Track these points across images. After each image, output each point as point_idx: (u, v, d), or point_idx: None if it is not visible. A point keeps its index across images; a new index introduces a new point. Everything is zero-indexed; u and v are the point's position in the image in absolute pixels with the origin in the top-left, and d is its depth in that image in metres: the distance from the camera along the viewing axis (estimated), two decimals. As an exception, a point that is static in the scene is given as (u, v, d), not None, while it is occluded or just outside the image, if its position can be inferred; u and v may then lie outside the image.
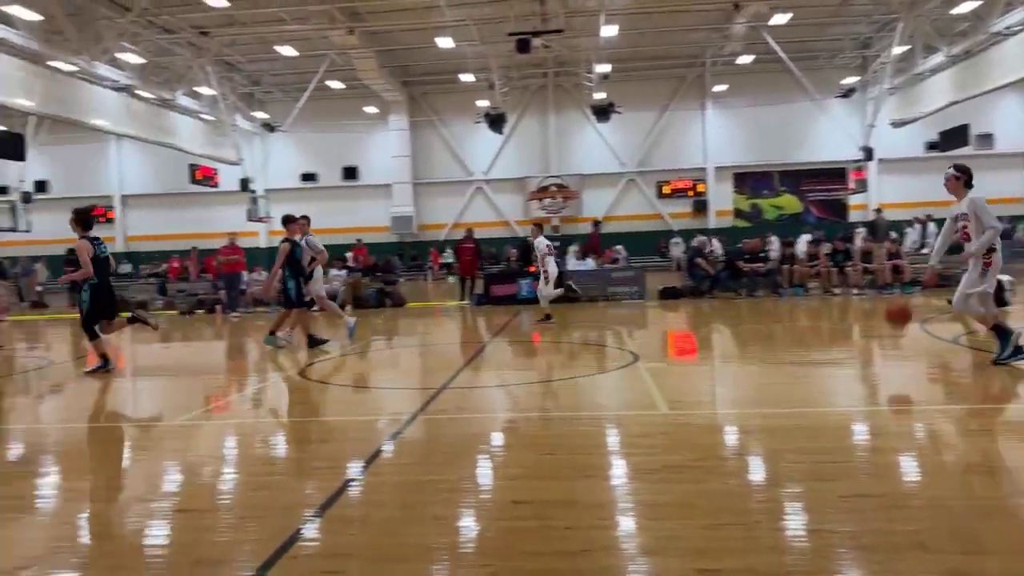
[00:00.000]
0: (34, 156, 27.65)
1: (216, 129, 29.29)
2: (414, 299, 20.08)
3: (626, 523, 3.66)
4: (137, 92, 25.13)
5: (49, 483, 4.84)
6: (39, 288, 24.92)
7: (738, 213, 32.58)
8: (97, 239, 9.02)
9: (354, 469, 4.65)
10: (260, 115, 32.08)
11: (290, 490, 4.32)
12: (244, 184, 30.49)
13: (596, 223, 23.66)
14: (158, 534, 3.74)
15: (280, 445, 5.65)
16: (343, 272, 19.62)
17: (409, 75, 31.89)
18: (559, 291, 13.66)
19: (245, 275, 19.42)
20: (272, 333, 10.85)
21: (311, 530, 3.61)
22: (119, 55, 23.55)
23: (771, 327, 12.32)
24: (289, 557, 3.27)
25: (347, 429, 5.95)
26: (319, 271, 11.66)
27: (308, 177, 33.74)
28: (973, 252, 6.84)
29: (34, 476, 4.99)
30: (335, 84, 30.06)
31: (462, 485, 4.28)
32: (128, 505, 4.20)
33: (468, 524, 3.74)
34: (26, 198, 29.32)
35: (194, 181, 28.90)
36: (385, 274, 21.41)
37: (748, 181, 32.58)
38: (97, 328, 9.05)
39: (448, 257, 30.80)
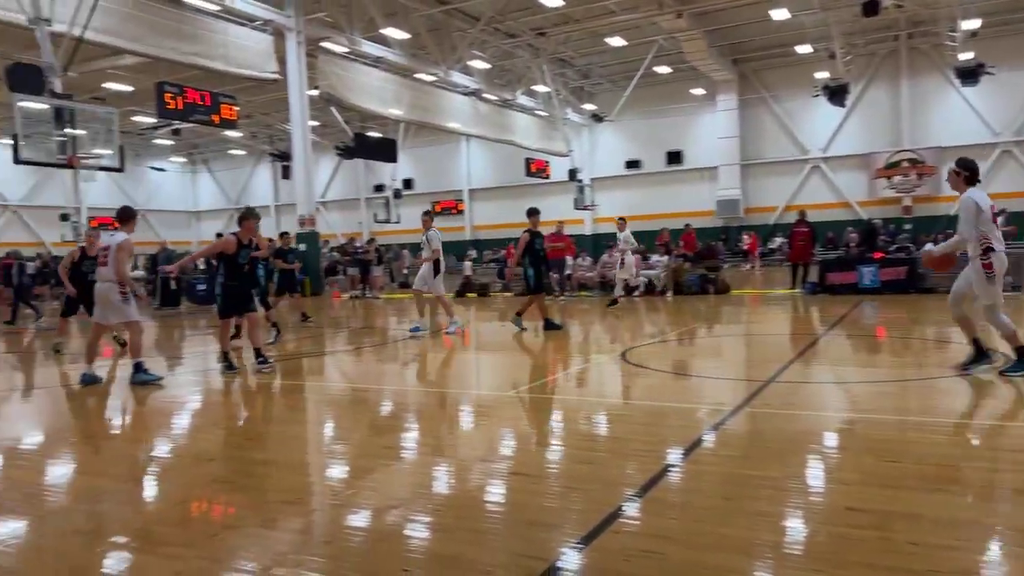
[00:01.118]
0: (402, 157, 32.05)
1: (549, 124, 31.22)
2: (739, 286, 19.40)
3: (988, 548, 3.16)
4: (483, 95, 27.80)
5: (410, 438, 5.61)
6: (405, 271, 28.99)
7: None
8: None
9: (674, 455, 4.66)
10: (588, 107, 33.43)
11: (612, 468, 4.46)
12: (572, 174, 32.14)
13: None
14: (495, 492, 4.13)
15: (602, 424, 5.87)
16: (664, 258, 19.65)
17: (739, 52, 30.72)
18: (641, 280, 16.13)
19: (570, 260, 20.49)
20: (519, 315, 11.65)
21: (632, 509, 3.70)
22: (469, 62, 26.25)
23: None
24: (611, 532, 3.39)
25: (667, 415, 5.97)
26: (427, 267, 11.73)
27: (632, 164, 34.38)
28: (934, 253, 6.86)
29: (399, 431, 5.84)
30: (662, 69, 30.14)
31: (789, 484, 4.05)
32: (471, 463, 4.70)
33: (795, 525, 3.53)
34: (396, 194, 34.10)
35: (529, 173, 31.26)
36: (708, 260, 20.94)
37: None
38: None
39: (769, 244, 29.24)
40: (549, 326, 11.41)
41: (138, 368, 7.91)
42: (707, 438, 5.05)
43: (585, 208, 32.97)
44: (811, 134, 31.11)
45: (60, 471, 5.08)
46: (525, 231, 11.67)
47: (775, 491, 3.90)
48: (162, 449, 5.58)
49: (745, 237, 30.21)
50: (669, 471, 4.34)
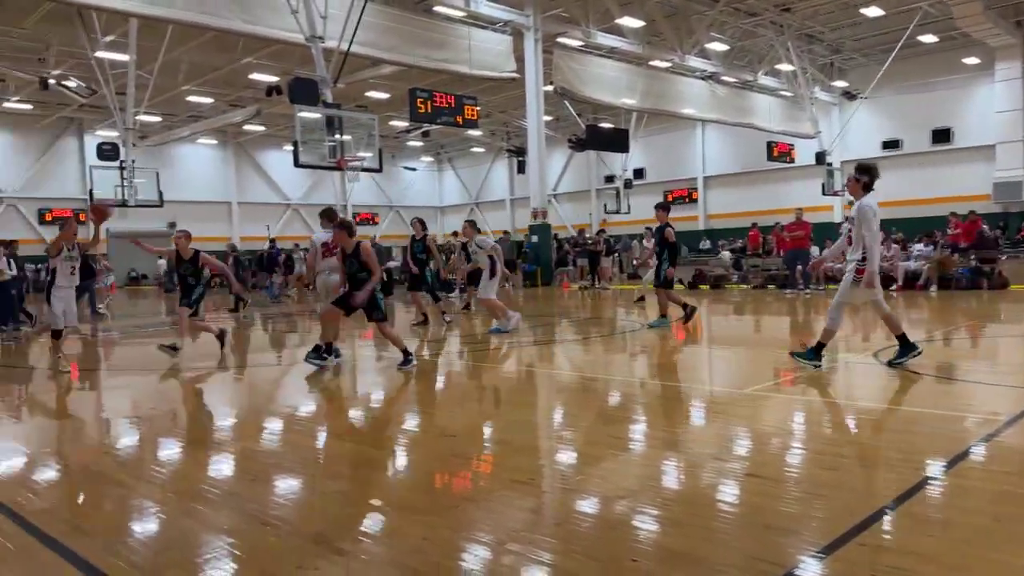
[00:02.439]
0: (633, 147, 31.91)
1: (793, 104, 29.33)
2: (1020, 281, 16.92)
3: None
4: (721, 78, 26.78)
5: (639, 430, 5.60)
6: (635, 262, 28.90)
7: None
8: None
9: (935, 467, 4.18)
10: (839, 84, 30.87)
11: (860, 476, 4.12)
12: (820, 157, 29.92)
13: None
14: (729, 492, 3.98)
15: (850, 428, 5.43)
16: (928, 248, 17.67)
17: (1025, 12, 26.62)
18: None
19: (816, 251, 19.12)
20: (663, 316, 11.41)
21: (882, 522, 3.39)
22: (707, 45, 25.41)
23: None
24: (857, 543, 3.13)
25: (927, 422, 5.37)
26: (484, 273, 11.37)
27: (890, 144, 31.19)
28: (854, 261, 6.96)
29: (628, 421, 5.85)
30: (926, 38, 26.99)
31: (1083, 510, 3.46)
32: (703, 460, 4.57)
33: (1090, 559, 3.01)
34: (627, 184, 34.11)
35: (771, 158, 29.57)
36: (982, 251, 18.42)
37: None
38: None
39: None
40: (688, 317, 11.33)
41: (324, 350, 8.40)
42: (976, 450, 4.48)
43: (835, 193, 30.57)
44: (1123, 100, 26.16)
45: (327, 437, 5.74)
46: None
47: (1065, 518, 3.36)
48: (410, 423, 6.10)
49: (950, 222, 26.01)
50: (928, 484, 3.91)
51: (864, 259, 6.75)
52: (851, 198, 7.09)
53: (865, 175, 6.83)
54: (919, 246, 18.33)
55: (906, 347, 7.05)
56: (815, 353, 7.12)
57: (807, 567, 2.94)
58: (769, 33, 26.15)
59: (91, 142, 32.09)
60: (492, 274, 11.30)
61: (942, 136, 29.89)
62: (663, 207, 11.85)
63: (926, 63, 28.99)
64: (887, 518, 3.42)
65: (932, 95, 29.63)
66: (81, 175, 34.18)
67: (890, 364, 7.13)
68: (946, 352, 9.08)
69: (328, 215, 8.91)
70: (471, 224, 12.59)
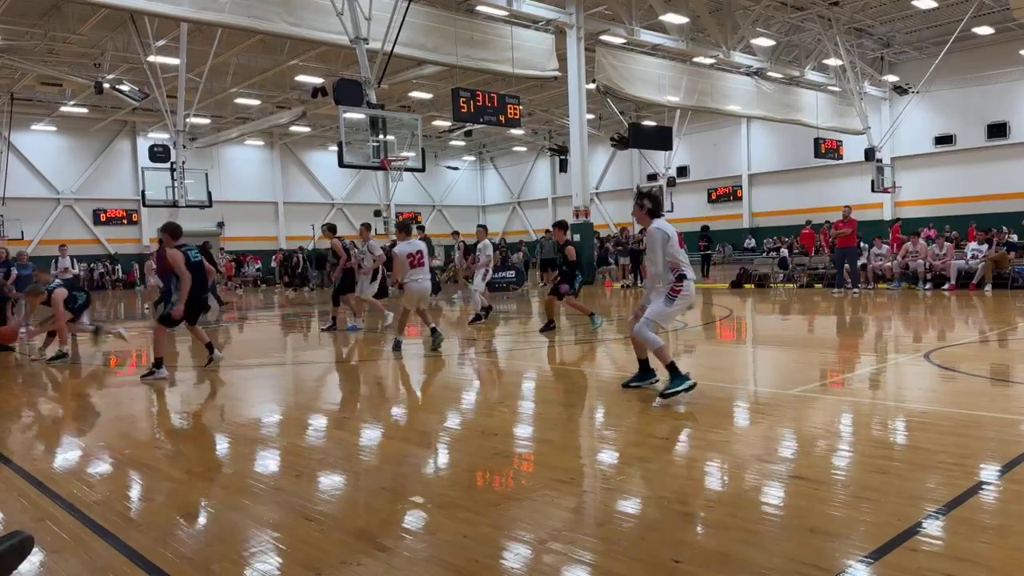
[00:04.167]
0: (677, 145, 31.57)
1: (842, 100, 28.74)
2: (1083, 280, 16.29)
3: None
4: (767, 74, 26.35)
5: (682, 430, 5.54)
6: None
7: None
8: (186, 246, 8.32)
9: (989, 471, 4.06)
10: (890, 78, 30.12)
11: (910, 479, 4.02)
12: (869, 154, 29.27)
13: None
14: (773, 494, 3.92)
15: (900, 431, 5.30)
16: (983, 246, 17.13)
17: (1088, 1, 25.57)
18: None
19: (877, 250, 18.80)
20: (591, 315, 11.48)
21: (932, 527, 3.30)
22: (752, 41, 25.03)
23: None
24: (906, 548, 3.06)
25: (982, 425, 5.21)
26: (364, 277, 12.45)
27: (942, 140, 30.35)
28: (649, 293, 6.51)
29: (671, 421, 5.79)
30: (982, 30, 26.19)
31: None
32: (747, 462, 4.51)
33: None
34: (671, 182, 33.76)
35: (818, 155, 29.01)
36: (1042, 249, 17.83)
37: None
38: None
39: None
40: (547, 327, 11.47)
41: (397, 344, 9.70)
42: (1034, 456, 4.33)
43: (884, 191, 29.89)
44: None
45: (373, 434, 5.81)
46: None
47: None
48: (453, 422, 6.14)
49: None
50: (982, 488, 3.80)
51: (679, 279, 6.14)
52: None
53: (648, 201, 6.36)
54: (973, 244, 17.80)
55: (646, 373, 6.66)
56: (674, 379, 6.15)
57: (854, 571, 2.89)
58: (817, 27, 25.65)
59: (143, 144, 33.02)
60: (374, 277, 12.62)
61: (998, 131, 28.97)
62: (560, 226, 11.89)
63: (981, 56, 28.13)
64: (938, 523, 3.34)
65: (987, 88, 28.73)
66: (134, 176, 35.18)
67: (625, 385, 6.74)
68: (1002, 354, 8.80)
69: (404, 228, 9.74)
70: (366, 227, 13.15)
